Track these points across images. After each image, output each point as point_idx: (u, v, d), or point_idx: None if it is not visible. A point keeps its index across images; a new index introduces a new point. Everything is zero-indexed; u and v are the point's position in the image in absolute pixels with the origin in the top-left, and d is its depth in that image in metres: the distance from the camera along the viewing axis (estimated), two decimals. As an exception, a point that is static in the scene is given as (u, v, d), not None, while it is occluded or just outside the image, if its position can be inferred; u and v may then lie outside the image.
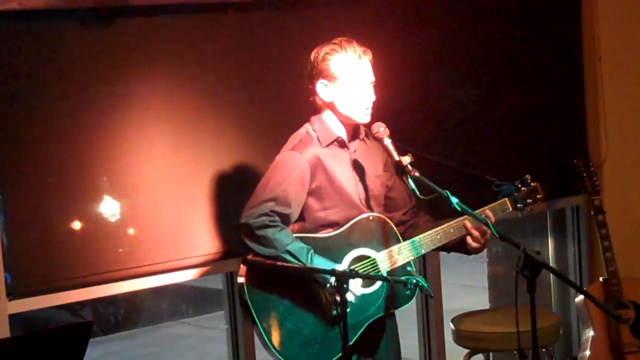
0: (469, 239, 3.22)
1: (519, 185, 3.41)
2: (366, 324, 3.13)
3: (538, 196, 3.42)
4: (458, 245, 3.27)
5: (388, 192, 3.34)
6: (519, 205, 3.37)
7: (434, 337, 4.44)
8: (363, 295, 3.12)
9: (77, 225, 3.45)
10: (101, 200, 3.49)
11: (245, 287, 3.05)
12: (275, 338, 3.05)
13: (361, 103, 3.14)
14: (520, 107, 4.68)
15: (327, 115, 3.19)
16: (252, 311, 3.04)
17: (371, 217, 3.18)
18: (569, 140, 4.87)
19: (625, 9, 4.97)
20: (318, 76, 3.14)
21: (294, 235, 3.09)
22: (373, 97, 3.16)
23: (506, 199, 3.35)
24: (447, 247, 3.30)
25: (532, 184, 3.42)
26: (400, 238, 3.21)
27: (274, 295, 3.07)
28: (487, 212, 3.26)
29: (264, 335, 3.05)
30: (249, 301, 3.04)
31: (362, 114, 3.16)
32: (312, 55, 3.16)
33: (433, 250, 3.26)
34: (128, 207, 3.54)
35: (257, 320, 3.05)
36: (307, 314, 3.09)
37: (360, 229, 3.16)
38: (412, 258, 3.19)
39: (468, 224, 3.20)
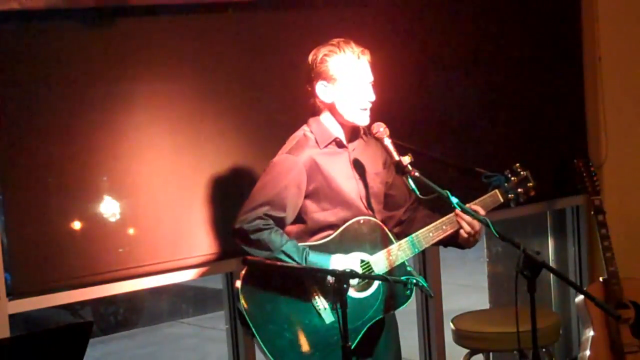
0: (460, 231, 3.20)
1: (509, 175, 3.36)
2: (365, 328, 3.13)
3: (529, 184, 3.35)
4: (452, 239, 3.26)
5: (388, 190, 3.33)
6: (509, 195, 3.33)
7: (434, 337, 4.44)
8: (359, 300, 3.12)
9: (77, 225, 3.45)
10: (101, 200, 3.49)
11: (241, 299, 3.05)
12: (275, 349, 3.05)
13: (361, 103, 3.13)
14: (520, 107, 4.68)
15: (325, 117, 3.19)
16: (250, 324, 3.04)
17: (362, 221, 3.17)
18: (569, 140, 4.87)
19: (625, 9, 4.97)
20: (317, 78, 3.13)
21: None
22: (372, 97, 3.15)
23: (496, 190, 3.31)
24: (443, 242, 3.29)
25: (522, 172, 3.37)
26: (394, 239, 3.20)
27: (271, 307, 3.07)
28: (474, 207, 3.23)
29: (264, 347, 3.04)
30: (245, 314, 3.05)
31: (362, 116, 3.15)
32: (310, 57, 3.15)
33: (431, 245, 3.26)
34: (128, 207, 3.54)
35: (255, 333, 3.05)
36: (305, 323, 3.08)
37: (352, 234, 3.15)
38: (409, 256, 3.19)
39: (459, 213, 3.17)
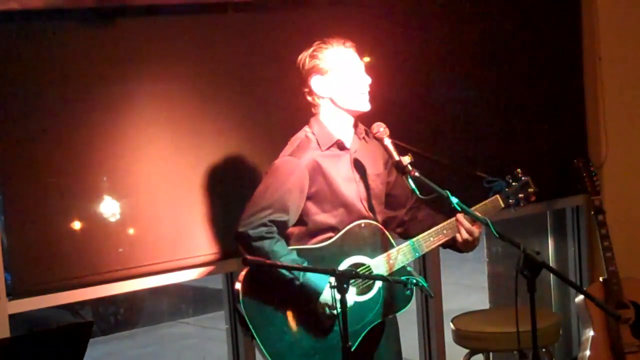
0: (457, 235, 3.20)
1: (510, 180, 3.35)
2: (365, 331, 3.13)
3: (530, 190, 3.35)
4: (451, 242, 3.26)
5: (390, 190, 3.33)
6: (510, 200, 3.31)
7: (434, 337, 4.44)
8: (360, 304, 3.11)
9: (77, 225, 3.45)
10: (101, 200, 3.49)
11: (241, 302, 3.05)
12: (275, 352, 3.05)
13: (358, 88, 3.14)
14: (520, 107, 4.68)
15: (325, 117, 3.19)
16: (250, 326, 3.04)
17: (363, 224, 3.17)
18: (569, 140, 4.87)
19: (625, 9, 4.97)
20: (309, 74, 3.14)
21: (290, 247, 3.10)
22: (369, 80, 3.17)
23: (497, 195, 3.30)
24: (443, 244, 3.29)
25: (523, 178, 3.35)
26: (394, 242, 3.20)
27: (271, 309, 3.06)
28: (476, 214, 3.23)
29: (263, 349, 3.04)
30: (245, 316, 3.04)
31: (362, 100, 3.15)
32: (299, 59, 3.18)
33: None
34: (128, 207, 3.54)
35: (255, 335, 3.04)
36: (305, 326, 3.08)
37: (353, 237, 3.15)
38: (410, 260, 3.19)
39: (461, 218, 3.18)
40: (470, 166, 4.05)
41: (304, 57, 3.16)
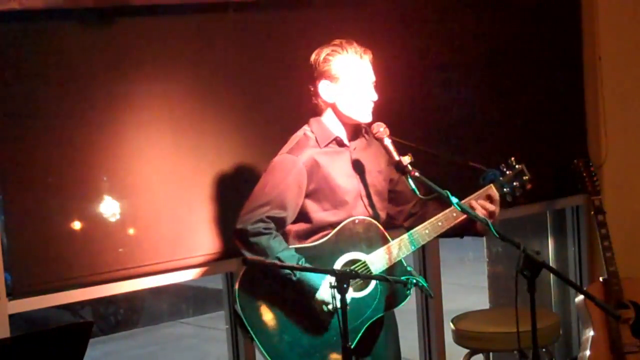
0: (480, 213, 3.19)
1: (504, 169, 3.32)
2: (364, 327, 3.13)
3: (525, 178, 3.31)
4: (468, 228, 3.27)
5: (395, 186, 3.33)
6: (505, 189, 3.28)
7: (434, 337, 4.44)
8: (357, 300, 3.11)
9: (77, 225, 3.45)
10: (101, 200, 3.49)
11: (239, 304, 3.05)
12: (275, 352, 3.05)
13: (363, 103, 3.14)
14: (520, 107, 4.68)
15: (326, 117, 3.19)
16: (248, 328, 3.05)
17: (357, 221, 3.17)
18: (569, 140, 4.87)
19: (625, 9, 4.97)
20: (320, 78, 3.14)
21: (291, 246, 3.11)
22: (375, 97, 3.16)
23: (491, 185, 3.27)
24: (459, 233, 3.30)
25: (517, 166, 3.32)
26: (389, 237, 3.20)
27: (268, 309, 3.07)
28: (473, 202, 3.21)
29: (263, 350, 3.05)
30: (243, 317, 3.05)
31: (364, 114, 3.15)
32: (313, 57, 3.16)
33: (438, 237, 3.25)
34: (128, 207, 3.54)
35: (253, 336, 3.05)
36: (303, 325, 3.08)
37: (347, 234, 3.15)
38: (406, 254, 3.18)
39: (474, 204, 3.19)
40: (464, 157, 4.02)
41: (319, 56, 3.14)
